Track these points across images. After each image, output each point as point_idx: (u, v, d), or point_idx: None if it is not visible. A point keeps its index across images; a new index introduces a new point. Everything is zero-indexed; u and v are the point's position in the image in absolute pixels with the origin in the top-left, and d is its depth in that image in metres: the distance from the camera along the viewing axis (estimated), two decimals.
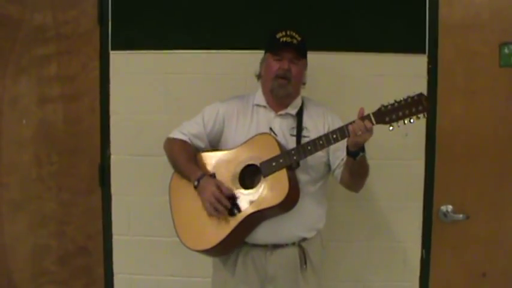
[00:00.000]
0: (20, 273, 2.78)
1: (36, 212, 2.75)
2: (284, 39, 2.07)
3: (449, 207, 2.62)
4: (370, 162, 2.45)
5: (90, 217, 2.74)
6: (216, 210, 2.00)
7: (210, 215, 2.04)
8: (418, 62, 2.58)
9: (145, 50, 2.64)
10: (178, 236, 2.12)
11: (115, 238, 2.72)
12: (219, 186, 2.03)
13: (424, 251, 2.65)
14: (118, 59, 2.66)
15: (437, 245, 2.65)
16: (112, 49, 2.66)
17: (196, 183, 2.06)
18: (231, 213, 2.02)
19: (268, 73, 2.12)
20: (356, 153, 1.94)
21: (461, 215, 2.61)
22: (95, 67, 2.68)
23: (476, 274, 2.67)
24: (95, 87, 2.69)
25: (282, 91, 2.10)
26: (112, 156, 2.69)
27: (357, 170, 2.03)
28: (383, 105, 1.90)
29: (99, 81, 2.68)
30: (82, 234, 2.75)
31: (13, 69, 2.70)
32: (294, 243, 2.11)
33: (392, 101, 1.89)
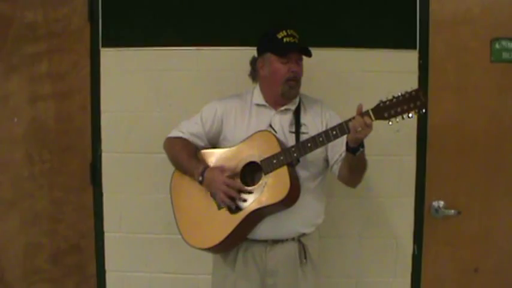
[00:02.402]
0: (12, 272, 2.78)
1: (28, 210, 2.74)
2: (287, 39, 2.06)
3: (441, 203, 2.63)
4: None
5: (81, 215, 2.74)
6: (231, 197, 2.01)
7: (224, 203, 2.03)
8: (409, 58, 2.58)
9: (136, 47, 2.64)
10: (181, 235, 2.13)
11: (107, 236, 2.72)
12: (225, 172, 2.04)
13: (415, 246, 2.65)
14: (109, 56, 2.66)
15: (429, 240, 2.66)
16: (103, 46, 2.65)
17: (200, 178, 2.07)
18: (234, 211, 2.03)
19: (276, 77, 2.09)
20: (356, 149, 1.94)
21: (452, 211, 2.61)
22: (86, 65, 2.68)
23: (468, 269, 2.67)
24: (85, 85, 2.69)
25: (293, 92, 2.12)
26: (103, 154, 2.69)
27: (356, 166, 2.04)
28: (381, 101, 1.90)
29: (90, 78, 2.68)
30: (74, 232, 2.75)
31: (4, 67, 2.70)
32: (293, 239, 2.12)
33: (390, 97, 1.89)
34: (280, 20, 2.53)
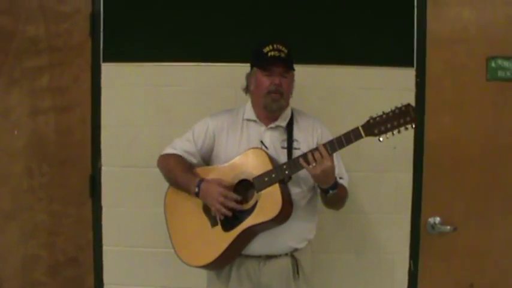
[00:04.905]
0: (10, 284, 2.78)
1: (27, 223, 2.75)
2: (272, 53, 2.07)
3: (437, 219, 2.65)
4: (358, 174, 2.52)
5: (80, 228, 2.74)
6: (227, 207, 2.00)
7: (222, 214, 2.02)
8: (406, 76, 2.61)
9: (136, 62, 2.66)
10: (176, 252, 2.14)
11: (105, 249, 2.72)
12: (221, 183, 2.04)
13: (412, 262, 2.66)
14: (109, 71, 2.68)
15: (425, 256, 2.67)
16: (103, 61, 2.68)
17: (197, 189, 2.06)
18: (227, 229, 2.04)
19: (260, 89, 2.11)
20: (326, 190, 1.98)
21: (448, 227, 2.63)
22: (87, 79, 2.70)
23: (464, 285, 2.69)
24: (86, 99, 2.71)
25: (275, 105, 2.11)
26: (103, 168, 2.70)
27: (330, 201, 2.10)
28: (371, 117, 1.93)
29: (91, 92, 2.70)
30: (72, 245, 2.76)
31: (5, 80, 2.72)
32: (286, 254, 2.13)
33: (380, 113, 1.93)
34: (279, 37, 2.56)
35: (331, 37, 2.62)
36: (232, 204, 2.01)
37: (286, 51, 2.09)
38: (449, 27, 2.63)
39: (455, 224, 2.64)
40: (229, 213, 2.02)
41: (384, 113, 1.92)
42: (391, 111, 1.92)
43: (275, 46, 2.08)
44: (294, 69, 2.15)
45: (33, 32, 2.70)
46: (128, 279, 2.73)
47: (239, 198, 2.03)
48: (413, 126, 1.91)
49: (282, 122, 2.17)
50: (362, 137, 1.93)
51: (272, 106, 2.11)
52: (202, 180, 2.09)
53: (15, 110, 2.73)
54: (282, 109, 2.15)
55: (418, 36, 2.61)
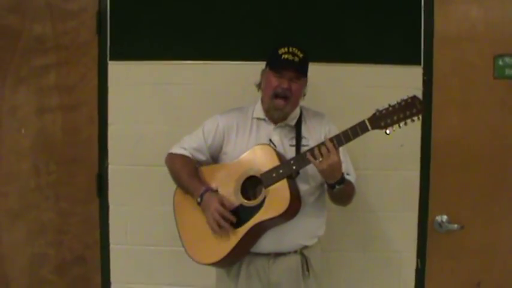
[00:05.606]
0: (17, 282, 2.79)
1: (34, 221, 2.75)
2: (286, 56, 2.05)
3: (444, 217, 2.64)
4: (366, 172, 2.52)
5: (87, 226, 2.75)
6: (220, 226, 2.01)
7: (213, 231, 2.04)
8: (414, 74, 2.60)
9: (144, 61, 2.66)
10: (185, 251, 2.14)
11: (112, 247, 2.73)
12: (222, 202, 2.04)
13: (419, 260, 2.66)
14: (116, 69, 2.68)
15: (432, 254, 2.67)
16: (110, 59, 2.67)
17: (199, 199, 2.07)
18: (236, 226, 2.04)
19: (268, 89, 2.11)
20: (333, 185, 1.98)
21: (456, 225, 2.63)
22: (94, 77, 2.70)
23: (471, 284, 2.68)
24: (93, 97, 2.71)
25: (277, 113, 2.12)
26: (110, 166, 2.70)
27: (337, 197, 2.10)
28: (378, 110, 1.94)
29: (98, 91, 2.70)
30: (80, 243, 2.76)
31: (12, 79, 2.72)
32: (296, 251, 2.13)
33: (386, 105, 1.93)
34: (287, 35, 2.58)
35: (338, 35, 2.61)
36: (225, 225, 2.01)
37: (301, 56, 2.07)
38: (456, 26, 2.62)
39: (462, 222, 2.63)
40: (219, 231, 2.02)
41: (390, 105, 1.93)
42: (397, 103, 1.92)
43: (290, 49, 2.07)
44: (306, 76, 2.14)
45: (40, 30, 2.70)
46: (134, 278, 2.73)
47: (234, 220, 2.02)
48: (420, 118, 1.91)
49: (291, 121, 2.18)
50: (368, 130, 1.93)
51: (274, 113, 2.13)
52: (206, 191, 2.09)
53: (22, 108, 2.73)
54: (285, 115, 2.15)
55: (426, 34, 2.60)
